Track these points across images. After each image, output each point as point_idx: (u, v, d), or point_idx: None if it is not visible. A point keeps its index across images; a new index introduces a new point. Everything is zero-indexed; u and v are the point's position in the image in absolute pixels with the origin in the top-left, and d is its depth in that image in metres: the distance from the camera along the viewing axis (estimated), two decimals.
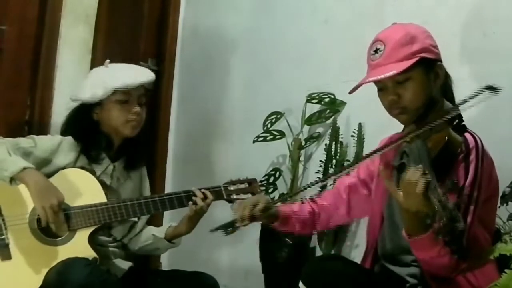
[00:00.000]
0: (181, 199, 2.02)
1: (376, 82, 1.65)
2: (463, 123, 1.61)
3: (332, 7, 2.88)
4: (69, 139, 2.02)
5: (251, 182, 2.12)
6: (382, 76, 1.57)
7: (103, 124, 2.03)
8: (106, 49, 2.87)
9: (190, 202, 2.01)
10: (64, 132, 2.06)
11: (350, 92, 1.68)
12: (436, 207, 1.30)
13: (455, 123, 1.55)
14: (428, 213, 1.35)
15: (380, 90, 1.66)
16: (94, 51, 2.83)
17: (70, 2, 2.72)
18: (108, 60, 2.08)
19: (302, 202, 1.93)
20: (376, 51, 1.62)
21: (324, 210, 1.88)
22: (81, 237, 1.91)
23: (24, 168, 1.81)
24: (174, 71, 3.44)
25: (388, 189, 1.54)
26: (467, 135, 1.57)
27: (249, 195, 2.09)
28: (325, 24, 2.89)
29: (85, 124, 2.02)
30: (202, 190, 2.03)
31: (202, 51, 3.38)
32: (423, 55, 1.59)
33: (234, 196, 2.08)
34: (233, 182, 2.10)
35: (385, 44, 1.60)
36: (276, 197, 2.79)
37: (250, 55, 3.18)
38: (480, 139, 1.59)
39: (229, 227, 1.80)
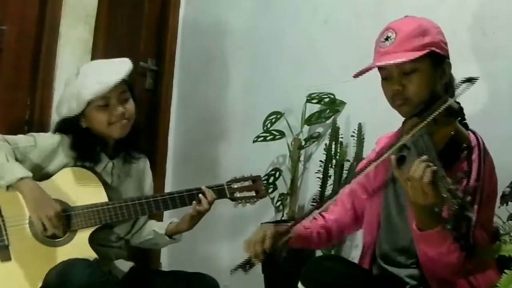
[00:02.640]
0: (184, 198, 2.01)
1: (382, 70, 1.64)
2: (465, 121, 1.60)
3: (332, 7, 2.88)
4: (69, 137, 2.01)
5: (255, 179, 2.10)
6: (391, 62, 1.56)
7: (93, 129, 2.00)
8: (106, 49, 2.87)
9: (194, 202, 1.99)
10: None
11: (355, 76, 1.65)
12: (445, 195, 1.29)
13: (458, 119, 1.54)
14: (436, 202, 1.34)
15: (384, 79, 1.65)
16: (94, 51, 2.83)
17: (70, 2, 2.72)
18: (78, 67, 2.01)
19: (314, 218, 1.90)
20: (386, 38, 1.61)
21: (335, 223, 1.85)
22: (82, 237, 1.90)
23: (21, 178, 1.80)
24: (174, 71, 3.44)
25: (396, 182, 1.52)
26: (469, 133, 1.57)
27: (253, 193, 2.08)
28: (325, 24, 2.89)
29: (76, 134, 1.99)
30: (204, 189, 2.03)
31: (202, 51, 3.38)
32: (433, 48, 1.58)
33: (238, 195, 2.06)
34: (236, 180, 2.08)
35: (397, 33, 1.59)
36: (276, 197, 2.81)
37: (250, 55, 3.18)
38: (481, 138, 1.59)
39: (246, 265, 1.79)
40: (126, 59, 2.02)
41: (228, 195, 2.06)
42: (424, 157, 1.37)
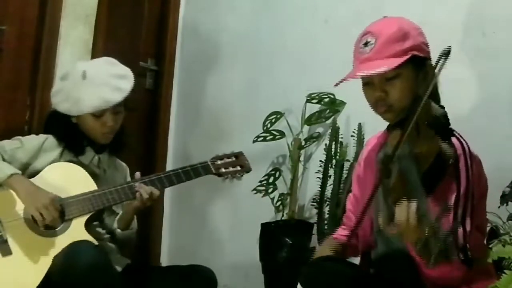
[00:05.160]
0: (170, 178, 2.02)
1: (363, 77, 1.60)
2: (450, 126, 1.55)
3: (332, 6, 2.88)
4: (52, 136, 2.06)
5: (237, 155, 2.13)
6: (373, 71, 1.52)
7: (81, 127, 2.06)
8: (106, 49, 2.86)
9: (138, 193, 1.98)
10: (46, 131, 2.09)
11: (335, 85, 1.61)
12: (427, 234, 1.26)
13: (442, 130, 1.47)
14: (419, 240, 1.30)
15: (365, 84, 1.61)
16: (94, 51, 2.83)
17: (70, 2, 2.72)
18: (85, 71, 2.00)
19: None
20: (366, 44, 1.57)
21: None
22: (78, 225, 1.92)
23: (11, 175, 1.86)
24: (174, 71, 3.44)
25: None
26: (454, 140, 1.51)
27: (238, 168, 2.11)
28: (325, 24, 2.89)
29: (65, 127, 2.05)
30: (141, 185, 1.99)
31: (202, 51, 3.38)
32: (414, 53, 1.54)
33: (223, 170, 2.09)
34: (219, 157, 2.10)
35: (376, 38, 1.55)
36: (276, 197, 2.81)
37: (250, 55, 3.18)
38: (466, 143, 1.54)
39: None
40: (128, 73, 2.07)
41: (214, 171, 2.08)
42: (403, 200, 1.32)
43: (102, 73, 2.03)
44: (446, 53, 1.39)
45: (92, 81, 2.00)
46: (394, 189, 1.38)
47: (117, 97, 1.99)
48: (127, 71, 2.08)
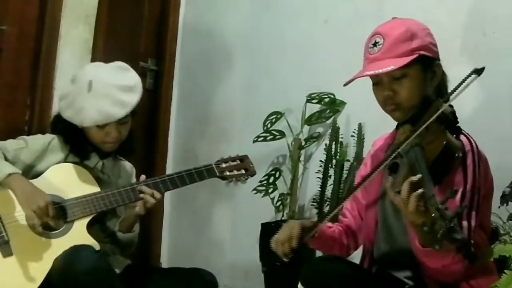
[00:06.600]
0: (174, 180, 2.00)
1: (372, 76, 1.63)
2: (458, 124, 1.56)
3: (332, 7, 2.88)
4: (59, 137, 2.04)
5: (242, 158, 2.11)
6: (380, 70, 1.54)
7: (87, 134, 2.02)
8: (106, 49, 2.87)
9: (140, 202, 1.96)
10: (53, 132, 2.07)
11: (345, 84, 1.65)
12: (434, 214, 1.26)
13: (450, 126, 1.49)
14: (426, 222, 1.30)
15: (375, 84, 1.64)
16: (94, 51, 2.84)
17: (70, 2, 2.72)
18: (91, 81, 1.94)
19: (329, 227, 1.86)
20: (374, 44, 1.60)
21: (350, 228, 1.83)
22: (80, 227, 1.91)
23: (10, 174, 1.84)
24: (174, 71, 3.44)
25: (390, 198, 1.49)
26: (462, 137, 1.54)
27: (243, 171, 2.08)
28: (326, 24, 2.90)
29: (71, 131, 2.02)
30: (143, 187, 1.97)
31: (202, 51, 3.38)
32: (422, 52, 1.57)
33: (227, 173, 2.07)
34: (224, 160, 2.09)
35: (385, 38, 1.58)
36: (276, 197, 2.81)
37: (250, 55, 3.18)
38: (474, 141, 1.56)
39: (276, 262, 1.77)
40: (137, 83, 2.01)
41: (218, 174, 2.06)
42: (410, 179, 1.33)
43: (107, 85, 1.96)
44: (478, 71, 1.45)
45: (96, 94, 1.94)
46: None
47: (120, 112, 1.94)
48: (136, 82, 2.01)
